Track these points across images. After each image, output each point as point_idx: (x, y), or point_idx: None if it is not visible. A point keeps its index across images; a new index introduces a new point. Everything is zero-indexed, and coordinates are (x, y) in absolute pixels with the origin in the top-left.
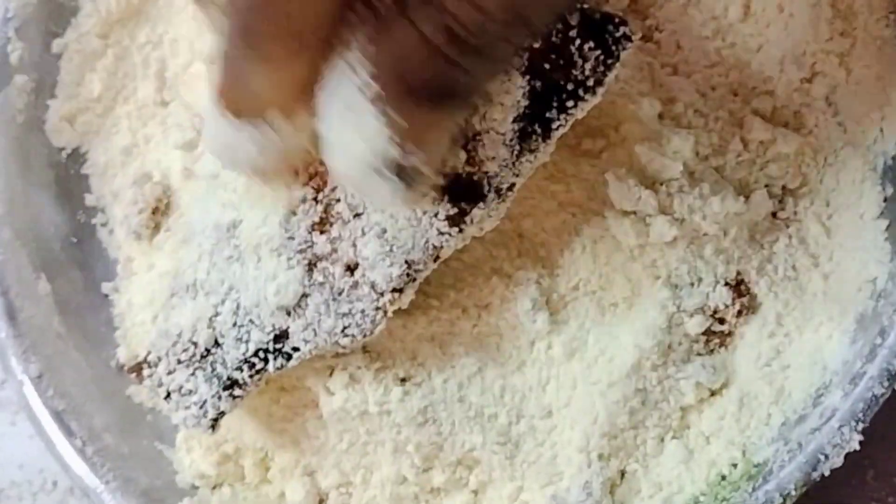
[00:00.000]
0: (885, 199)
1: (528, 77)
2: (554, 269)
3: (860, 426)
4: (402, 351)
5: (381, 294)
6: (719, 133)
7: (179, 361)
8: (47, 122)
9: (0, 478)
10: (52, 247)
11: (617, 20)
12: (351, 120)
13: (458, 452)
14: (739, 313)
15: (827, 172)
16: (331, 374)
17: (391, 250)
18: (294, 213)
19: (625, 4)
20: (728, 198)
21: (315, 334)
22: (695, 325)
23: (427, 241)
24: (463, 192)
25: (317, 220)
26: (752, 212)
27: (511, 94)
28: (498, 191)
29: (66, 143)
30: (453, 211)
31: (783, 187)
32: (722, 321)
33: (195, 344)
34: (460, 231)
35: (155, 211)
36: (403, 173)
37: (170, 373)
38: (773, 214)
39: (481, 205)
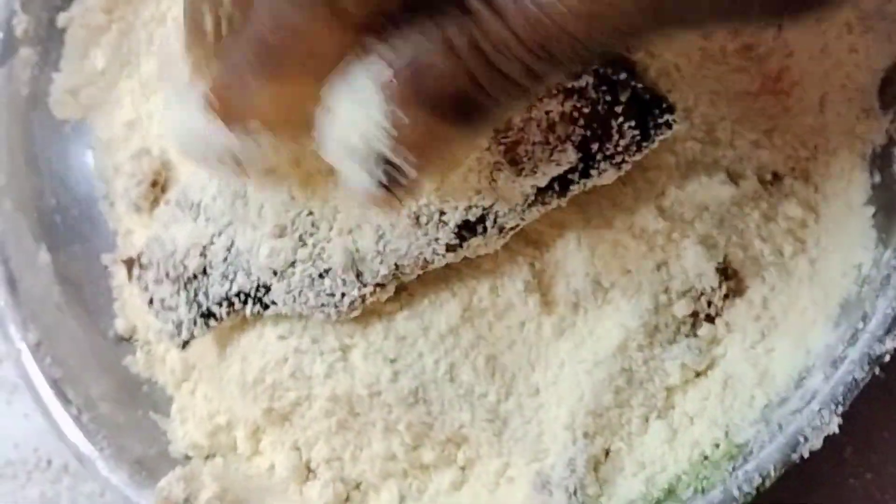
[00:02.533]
0: (873, 187)
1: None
2: (545, 251)
3: (840, 409)
4: (390, 331)
5: (364, 285)
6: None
7: (167, 275)
8: (51, 95)
9: None
10: (54, 218)
11: (665, 105)
12: (356, 102)
13: (447, 431)
14: (726, 297)
15: (817, 159)
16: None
17: (383, 250)
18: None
19: None
20: (718, 183)
21: (294, 300)
22: (682, 308)
23: (420, 254)
24: (470, 226)
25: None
26: (742, 197)
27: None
28: (500, 228)
29: (69, 116)
30: (455, 241)
31: (773, 173)
32: (709, 304)
33: (185, 266)
34: (454, 254)
35: (154, 184)
36: (387, 171)
37: (157, 282)
38: (763, 200)
39: (481, 237)
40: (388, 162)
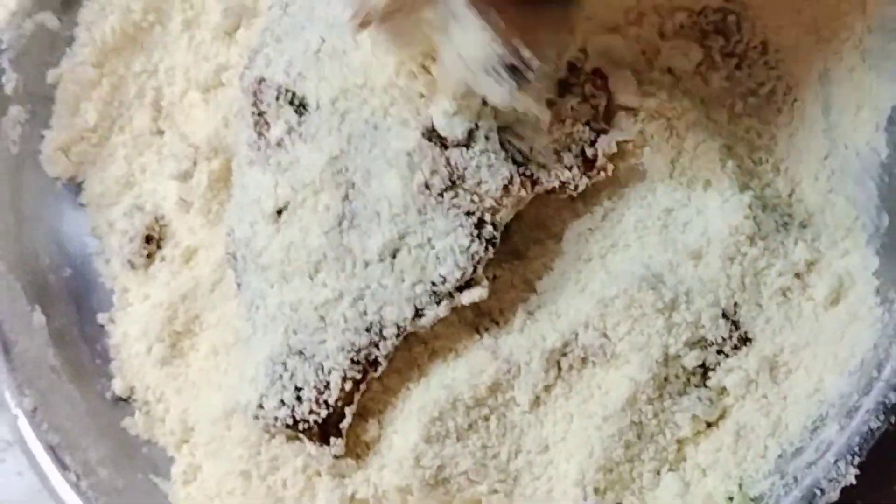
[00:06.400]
0: (877, 229)
1: None
2: (553, 307)
3: (856, 460)
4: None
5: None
6: None
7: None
8: (42, 152)
9: None
10: (47, 278)
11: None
12: (457, 26)
13: (465, 502)
14: (736, 346)
15: (826, 200)
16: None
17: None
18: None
19: None
20: (743, 217)
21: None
22: (691, 359)
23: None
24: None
25: None
26: (754, 237)
27: None
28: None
29: (61, 173)
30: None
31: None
32: (718, 353)
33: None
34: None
35: (149, 240)
36: (516, 72)
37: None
38: (773, 241)
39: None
40: (509, 67)
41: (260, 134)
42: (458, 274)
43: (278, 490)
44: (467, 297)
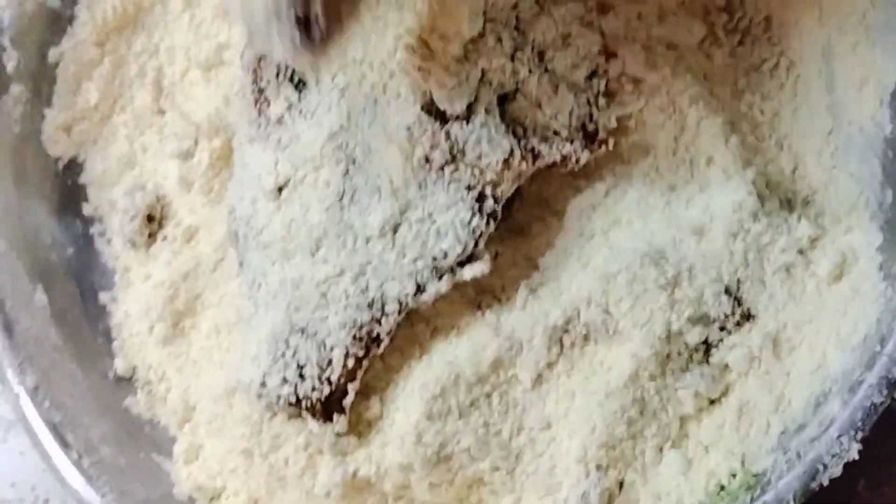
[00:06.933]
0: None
1: None
2: (554, 281)
3: (859, 435)
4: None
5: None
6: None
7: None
8: (44, 131)
9: None
10: (49, 257)
11: None
12: None
13: (467, 479)
14: (739, 323)
15: (829, 176)
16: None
17: None
18: None
19: None
20: (746, 194)
21: None
22: (694, 335)
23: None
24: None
25: None
26: (758, 213)
27: None
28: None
29: (62, 152)
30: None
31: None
32: (721, 329)
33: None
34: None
35: (151, 219)
36: (302, 23)
37: None
38: (777, 218)
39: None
40: (298, 20)
41: (260, 111)
42: (459, 248)
43: (280, 468)
44: (469, 272)
